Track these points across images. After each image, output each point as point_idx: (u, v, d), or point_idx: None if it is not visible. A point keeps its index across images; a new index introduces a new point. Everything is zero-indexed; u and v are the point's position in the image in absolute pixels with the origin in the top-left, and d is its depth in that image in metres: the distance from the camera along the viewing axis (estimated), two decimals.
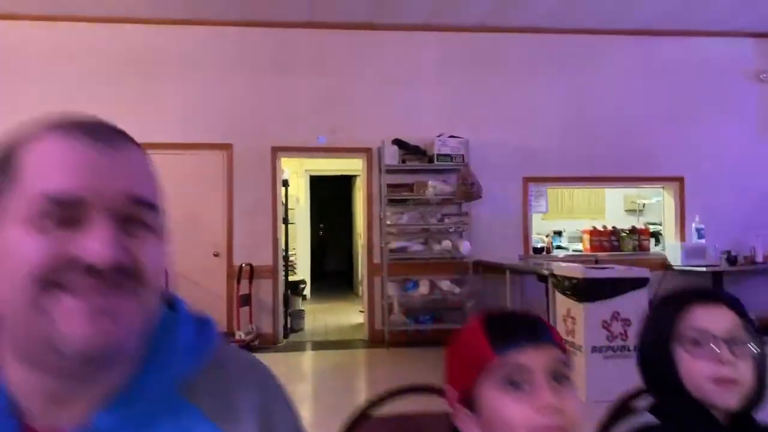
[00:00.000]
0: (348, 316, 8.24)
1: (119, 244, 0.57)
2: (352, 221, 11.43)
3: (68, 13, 6.04)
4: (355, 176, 9.91)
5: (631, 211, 8.80)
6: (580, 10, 6.15)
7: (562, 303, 4.49)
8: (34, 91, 6.10)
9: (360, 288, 9.54)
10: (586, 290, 4.17)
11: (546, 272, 4.78)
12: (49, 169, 0.57)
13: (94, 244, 0.56)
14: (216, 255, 6.29)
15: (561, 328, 4.49)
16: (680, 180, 6.76)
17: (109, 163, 0.59)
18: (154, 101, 6.23)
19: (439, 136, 6.23)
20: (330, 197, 11.99)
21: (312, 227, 10.14)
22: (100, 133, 0.61)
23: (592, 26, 6.57)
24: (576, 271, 4.38)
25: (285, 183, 7.06)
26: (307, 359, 6.02)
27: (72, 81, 6.14)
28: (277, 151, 6.43)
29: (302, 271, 9.07)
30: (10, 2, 5.81)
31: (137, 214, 0.60)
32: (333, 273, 12.81)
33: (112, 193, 0.58)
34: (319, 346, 6.40)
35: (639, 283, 4.17)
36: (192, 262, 6.22)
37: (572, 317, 4.32)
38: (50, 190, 0.56)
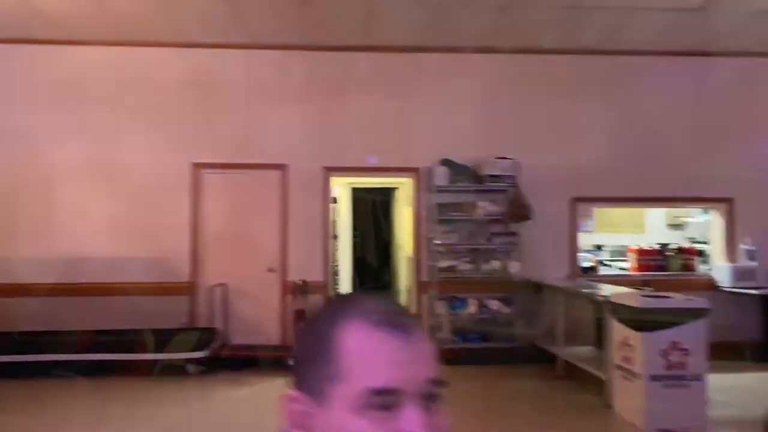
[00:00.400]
0: None
1: (427, 423, 0.70)
2: (382, 228, 11.56)
3: (133, 38, 6.30)
4: (394, 188, 10.06)
5: (673, 227, 8.78)
6: (627, 32, 6.21)
7: (618, 330, 4.57)
8: (101, 114, 6.40)
9: (400, 300, 9.70)
10: (645, 320, 4.26)
11: (601, 299, 4.87)
12: (374, 368, 0.70)
13: (413, 428, 0.69)
14: (271, 271, 6.49)
15: (617, 355, 4.58)
16: (729, 201, 6.76)
17: (415, 354, 0.73)
18: (215, 123, 6.46)
19: (489, 157, 6.35)
20: (365, 204, 12.09)
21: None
22: (404, 325, 0.74)
23: (640, 47, 6.61)
24: (633, 299, 4.46)
25: (334, 200, 7.26)
26: None
27: (137, 104, 6.42)
28: (329, 171, 6.62)
29: (344, 282, 9.23)
30: (77, 28, 6.08)
31: (432, 392, 0.73)
32: (370, 281, 12.94)
33: (419, 380, 0.72)
34: None
35: (698, 313, 4.24)
36: (249, 277, 6.46)
37: (629, 345, 4.40)
38: (376, 386, 0.69)
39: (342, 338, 0.73)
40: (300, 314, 6.39)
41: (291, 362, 0.79)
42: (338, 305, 0.77)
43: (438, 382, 0.74)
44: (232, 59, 6.52)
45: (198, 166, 6.44)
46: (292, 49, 6.54)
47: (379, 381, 0.69)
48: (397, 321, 0.74)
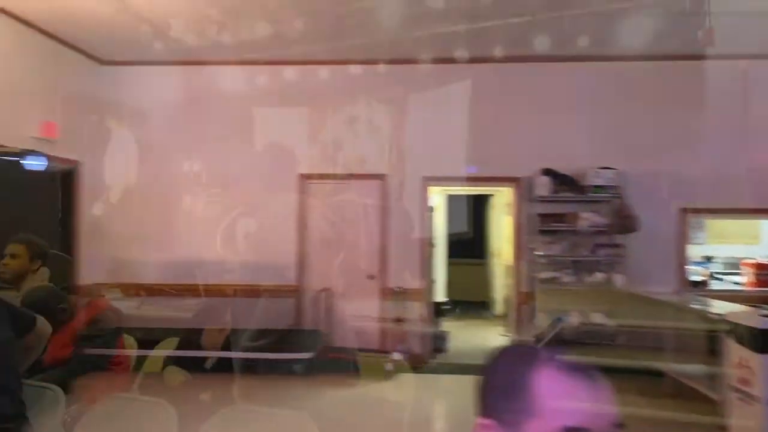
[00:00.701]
0: (488, 338, 8.37)
1: None
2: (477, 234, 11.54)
3: (248, 58, 6.70)
4: (489, 195, 10.07)
5: None
6: (741, 36, 5.87)
7: (735, 350, 4.37)
8: (218, 128, 6.90)
9: (495, 308, 9.69)
10: (766, 341, 4.05)
11: (715, 317, 4.67)
12: (568, 409, 0.82)
13: None
14: (371, 278, 6.72)
15: (733, 376, 4.38)
16: None
17: (598, 398, 0.84)
18: (319, 136, 6.78)
19: (592, 167, 6.24)
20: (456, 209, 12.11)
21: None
22: (591, 373, 0.86)
23: (753, 52, 6.25)
24: (752, 318, 4.25)
25: (431, 209, 7.38)
26: (462, 383, 6.21)
27: (250, 118, 6.87)
28: (427, 181, 6.75)
29: (440, 289, 9.33)
30: (199, 51, 6.56)
31: None
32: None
33: (603, 422, 0.83)
34: (467, 369, 6.59)
35: None
36: (350, 283, 6.72)
37: (748, 367, 4.20)
38: (570, 425, 0.81)
39: (538, 379, 0.85)
40: (400, 320, 6.56)
41: (481, 393, 0.91)
42: (530, 350, 0.90)
43: (618, 425, 0.85)
44: (334, 74, 6.79)
45: (304, 176, 6.78)
46: (393, 63, 6.72)
47: (573, 420, 0.81)
48: (586, 369, 0.86)
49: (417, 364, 6.49)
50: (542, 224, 6.32)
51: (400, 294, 6.60)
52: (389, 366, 6.20)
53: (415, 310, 6.69)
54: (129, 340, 3.85)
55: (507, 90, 6.68)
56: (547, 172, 6.36)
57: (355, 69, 6.76)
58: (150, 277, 6.82)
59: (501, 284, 8.97)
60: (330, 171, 6.76)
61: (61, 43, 6.20)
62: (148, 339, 5.56)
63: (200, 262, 6.80)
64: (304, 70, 6.80)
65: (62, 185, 5.40)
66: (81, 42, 6.39)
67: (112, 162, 6.87)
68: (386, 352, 6.39)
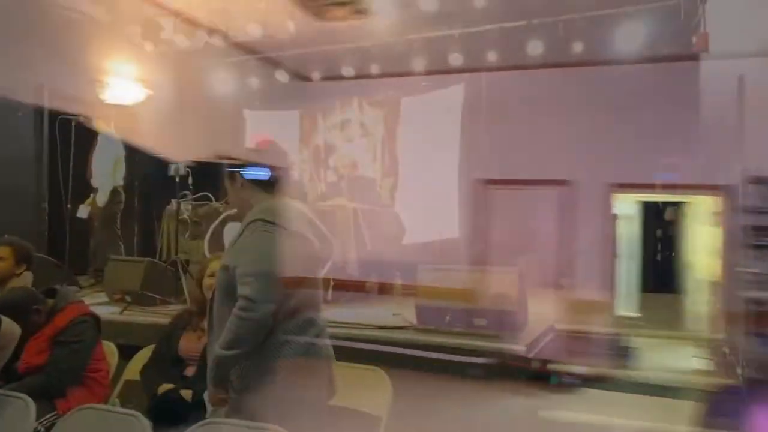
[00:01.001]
0: (680, 358, 7.65)
1: None
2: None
3: (424, 68, 6.93)
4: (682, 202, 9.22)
5: None
6: None
7: None
8: (406, 136, 7.24)
9: (689, 326, 8.83)
10: None
11: None
12: None
13: None
14: (552, 287, 6.54)
15: None
16: None
17: None
18: (501, 141, 6.79)
19: None
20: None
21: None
22: None
23: None
24: None
25: (616, 217, 7.00)
26: (646, 403, 5.81)
27: (433, 126, 7.14)
28: (613, 187, 6.42)
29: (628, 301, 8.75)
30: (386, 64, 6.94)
31: None
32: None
33: None
34: (653, 389, 6.10)
35: None
36: (530, 291, 6.61)
37: None
38: None
39: (757, 422, 0.84)
40: (583, 332, 6.30)
41: (702, 426, 0.90)
42: (750, 389, 0.88)
43: None
44: (518, 80, 6.75)
45: (482, 182, 6.84)
46: (575, 66, 6.50)
47: None
48: None
49: (599, 380, 6.17)
50: (754, 238, 5.65)
51: (584, 305, 6.33)
52: (569, 379, 5.98)
53: (600, 322, 6.37)
54: (109, 347, 3.68)
55: (706, 90, 6.07)
56: (758, 179, 5.67)
57: (535, 74, 6.66)
58: (340, 274, 7.35)
59: (698, 300, 8.16)
60: (510, 177, 6.73)
61: (272, 64, 6.98)
62: (130, 346, 5.28)
63: (384, 261, 7.18)
64: (478, 77, 6.84)
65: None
66: (288, 61, 7.12)
67: (311, 167, 7.56)
68: (566, 364, 6.17)
